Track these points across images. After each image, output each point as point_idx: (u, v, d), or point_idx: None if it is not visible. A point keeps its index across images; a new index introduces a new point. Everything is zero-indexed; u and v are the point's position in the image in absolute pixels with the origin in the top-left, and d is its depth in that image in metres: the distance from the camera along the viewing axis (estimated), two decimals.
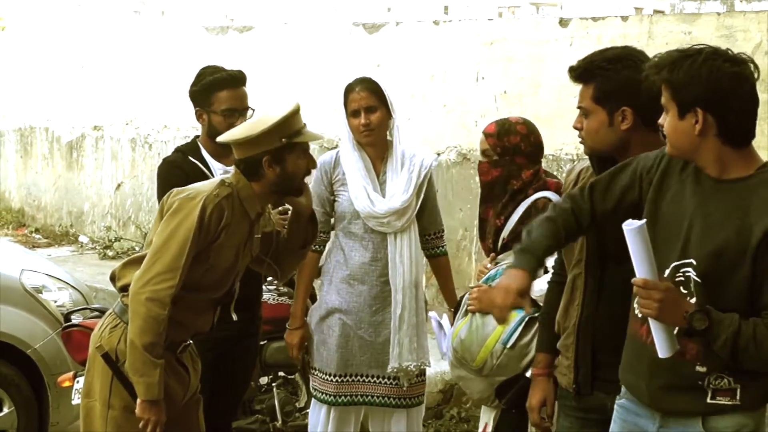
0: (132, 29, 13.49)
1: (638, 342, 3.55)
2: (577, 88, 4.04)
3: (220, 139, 4.47)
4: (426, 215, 5.44)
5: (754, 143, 3.54)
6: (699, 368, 3.41)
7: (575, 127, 4.02)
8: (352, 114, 5.23)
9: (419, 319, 5.36)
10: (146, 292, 4.13)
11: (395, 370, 5.29)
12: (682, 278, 3.41)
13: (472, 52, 9.35)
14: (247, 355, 5.46)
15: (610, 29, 8.41)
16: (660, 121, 3.52)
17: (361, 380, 5.36)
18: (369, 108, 5.20)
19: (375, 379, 5.35)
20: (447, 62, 9.54)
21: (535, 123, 8.51)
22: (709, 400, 3.42)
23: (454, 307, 5.21)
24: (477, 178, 9.12)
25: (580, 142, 4.05)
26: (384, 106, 5.23)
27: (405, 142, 5.38)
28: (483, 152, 5.06)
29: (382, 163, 5.34)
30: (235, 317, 5.12)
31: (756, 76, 3.44)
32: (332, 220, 5.42)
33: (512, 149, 4.94)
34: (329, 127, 10.61)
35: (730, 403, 3.41)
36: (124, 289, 4.32)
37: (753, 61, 3.45)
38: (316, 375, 5.41)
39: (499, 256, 4.90)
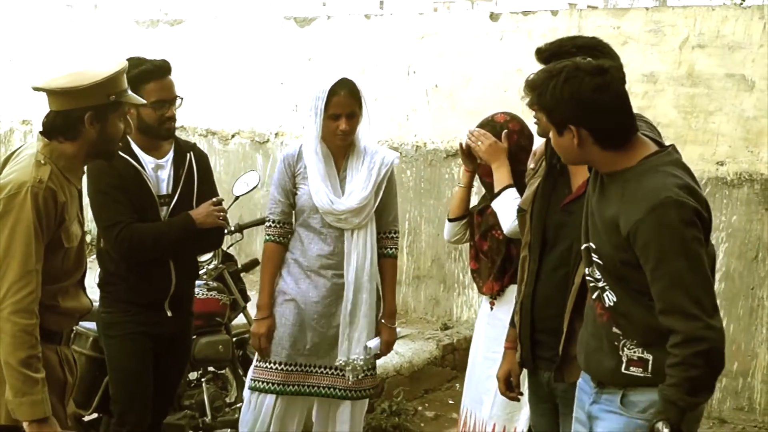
0: (63, 22, 13.30)
1: (589, 310, 3.83)
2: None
3: (36, 86, 4.13)
4: (382, 214, 5.41)
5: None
6: (615, 330, 3.67)
7: (535, 116, 4.18)
8: (331, 117, 5.13)
9: (371, 315, 5.36)
10: (6, 308, 3.88)
11: (343, 363, 5.31)
12: (593, 259, 3.70)
13: (404, 46, 9.37)
14: (181, 352, 5.44)
15: (541, 24, 8.45)
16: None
17: (309, 370, 5.37)
18: (351, 114, 5.16)
19: (322, 369, 5.37)
20: (378, 56, 9.54)
21: (466, 117, 8.59)
22: (623, 370, 3.64)
23: (389, 316, 5.41)
24: (408, 172, 9.24)
25: (535, 123, 4.25)
26: (361, 110, 5.21)
27: (367, 140, 5.35)
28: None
29: (343, 159, 5.32)
30: (169, 313, 5.12)
31: (623, 76, 3.69)
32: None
33: (513, 148, 5.16)
34: (260, 121, 10.61)
35: (642, 374, 3.61)
36: None
37: (616, 67, 3.70)
38: (260, 366, 5.38)
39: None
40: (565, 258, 4.17)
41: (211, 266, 6.22)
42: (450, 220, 5.54)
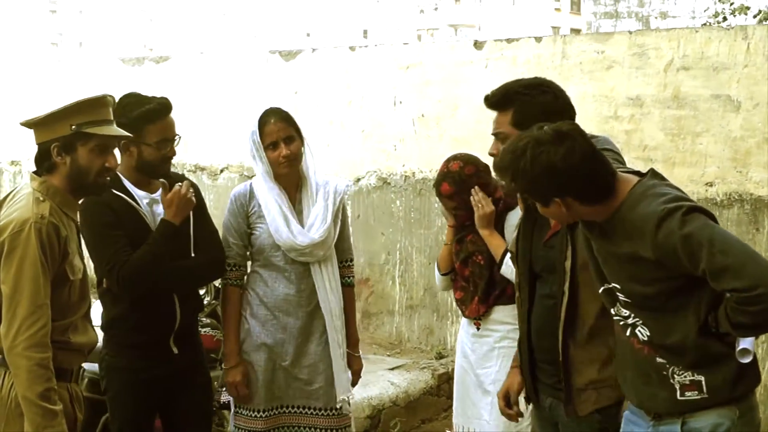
0: (49, 61, 13.33)
1: (625, 346, 3.82)
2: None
3: (21, 122, 4.25)
4: (340, 243, 5.37)
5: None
6: (659, 360, 3.68)
7: (491, 154, 4.24)
8: (270, 146, 5.12)
9: (345, 348, 5.32)
10: (21, 344, 3.94)
11: (347, 398, 5.27)
12: (619, 298, 3.74)
13: (389, 76, 9.39)
14: (199, 389, 5.21)
15: (524, 50, 8.48)
16: None
17: (288, 411, 5.28)
18: (288, 138, 5.13)
19: (302, 409, 5.28)
20: (364, 87, 9.56)
21: (453, 145, 8.60)
22: (679, 397, 3.65)
23: (354, 346, 5.42)
24: (398, 202, 9.24)
25: (490, 154, 4.28)
26: (298, 135, 5.19)
27: (314, 170, 5.31)
28: (453, 209, 5.45)
29: (296, 191, 5.26)
30: (175, 350, 5.01)
31: (580, 130, 3.67)
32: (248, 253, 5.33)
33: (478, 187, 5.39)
34: (248, 155, 10.59)
35: (698, 396, 3.62)
36: None
37: (573, 125, 3.71)
38: (241, 413, 5.29)
39: None
40: (553, 290, 4.19)
41: (204, 302, 6.20)
42: (442, 274, 5.65)
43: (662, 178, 3.71)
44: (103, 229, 4.83)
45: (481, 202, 5.27)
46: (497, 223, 5.31)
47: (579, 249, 4.02)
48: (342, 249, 5.39)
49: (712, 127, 7.47)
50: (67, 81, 12.45)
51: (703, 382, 3.61)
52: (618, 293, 3.72)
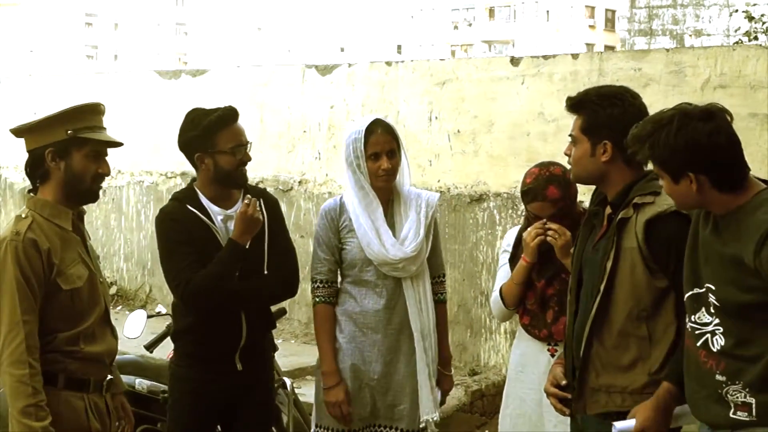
0: (86, 74, 13.41)
1: (691, 358, 3.84)
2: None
3: (11, 129, 4.27)
4: (432, 257, 5.20)
5: None
6: (719, 377, 3.70)
7: (565, 154, 4.36)
8: (372, 157, 4.95)
9: (435, 367, 5.16)
10: (4, 360, 4.01)
11: (434, 419, 5.07)
12: (709, 301, 3.74)
13: (425, 91, 9.39)
14: (260, 410, 5.13)
15: (561, 67, 8.47)
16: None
17: (371, 431, 5.13)
18: (391, 151, 4.98)
19: (386, 429, 5.12)
20: (400, 102, 9.57)
21: (488, 161, 8.60)
22: (731, 415, 3.68)
23: (446, 365, 5.23)
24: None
25: (570, 170, 4.37)
26: (399, 149, 5.04)
27: (407, 183, 5.19)
28: (550, 217, 5.13)
29: (388, 205, 5.10)
30: (240, 366, 4.94)
31: (729, 118, 3.71)
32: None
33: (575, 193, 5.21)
34: (283, 169, 10.64)
35: (748, 419, 3.65)
36: None
37: (722, 108, 3.72)
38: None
39: None
40: (591, 290, 4.20)
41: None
42: (509, 309, 5.35)
43: None
44: (172, 245, 4.83)
45: (557, 232, 5.04)
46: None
47: (624, 251, 4.05)
48: (434, 264, 5.24)
49: (749, 145, 7.37)
50: (103, 94, 12.51)
51: (753, 406, 3.62)
52: (710, 296, 3.71)
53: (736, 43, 17.84)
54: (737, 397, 3.64)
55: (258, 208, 4.83)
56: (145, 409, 5.41)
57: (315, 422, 5.21)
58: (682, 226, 3.91)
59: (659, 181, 3.92)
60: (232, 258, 4.78)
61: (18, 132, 4.26)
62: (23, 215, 4.17)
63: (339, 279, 5.18)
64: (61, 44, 77.11)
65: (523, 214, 5.13)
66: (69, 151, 4.20)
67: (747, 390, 3.62)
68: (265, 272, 4.97)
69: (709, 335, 3.73)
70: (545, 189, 5.08)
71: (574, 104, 4.27)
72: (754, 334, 3.60)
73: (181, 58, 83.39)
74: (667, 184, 3.76)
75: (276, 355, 6.31)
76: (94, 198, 4.37)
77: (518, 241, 5.31)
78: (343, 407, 5.02)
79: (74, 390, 4.21)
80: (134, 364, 5.66)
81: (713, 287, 3.70)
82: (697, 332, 3.78)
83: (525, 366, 5.34)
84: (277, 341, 6.46)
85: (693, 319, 3.80)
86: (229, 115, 4.94)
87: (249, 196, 4.89)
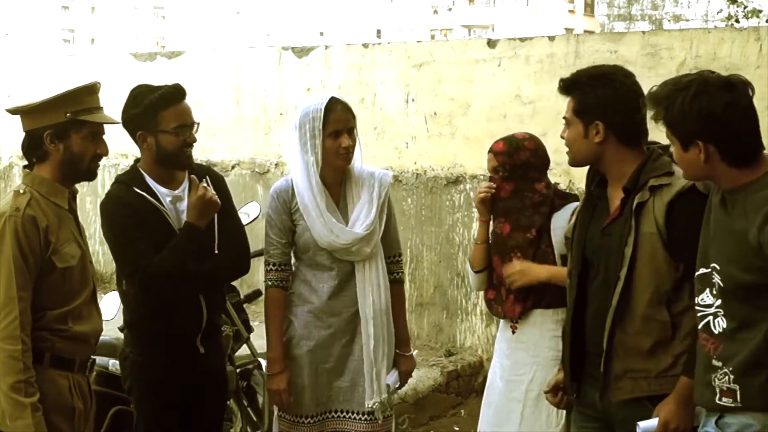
0: (61, 57, 13.34)
1: (699, 342, 3.79)
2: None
3: (8, 109, 4.29)
4: (386, 237, 5.07)
5: None
6: (714, 362, 3.67)
7: (561, 137, 4.29)
8: (332, 134, 4.80)
9: (391, 348, 5.07)
10: None
11: (376, 405, 4.96)
12: (713, 281, 3.68)
13: (402, 74, 9.39)
14: (217, 390, 5.04)
15: (538, 49, 8.48)
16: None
17: (334, 416, 5.03)
18: (350, 129, 4.84)
19: (348, 414, 5.01)
20: (377, 85, 9.57)
21: (465, 144, 8.61)
22: (717, 400, 3.66)
23: (404, 345, 5.18)
24: (409, 200, 9.24)
25: (567, 153, 4.30)
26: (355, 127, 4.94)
27: (359, 162, 5.02)
28: (493, 169, 5.31)
29: (340, 186, 4.97)
30: (202, 350, 4.82)
31: (751, 92, 3.65)
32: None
33: (523, 164, 5.21)
34: (260, 152, 10.63)
35: (732, 405, 3.62)
36: None
37: (743, 81, 3.67)
38: (284, 419, 5.03)
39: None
40: (608, 277, 4.13)
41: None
42: (476, 271, 5.44)
43: None
44: (124, 231, 4.63)
45: (514, 278, 5.14)
46: (535, 214, 5.17)
47: (642, 236, 3.98)
48: (389, 243, 5.10)
49: None
50: (78, 76, 12.42)
51: (737, 392, 3.59)
52: (714, 275, 3.65)
53: (716, 27, 17.91)
54: (723, 383, 3.61)
55: (214, 192, 4.71)
56: (118, 390, 5.37)
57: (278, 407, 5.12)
58: (702, 207, 3.82)
59: (666, 157, 3.92)
60: (190, 241, 4.64)
61: (17, 112, 4.29)
62: (21, 191, 4.18)
63: (293, 261, 5.07)
64: (38, 28, 76.73)
65: None
66: (68, 133, 4.23)
67: (732, 375, 3.59)
68: (216, 252, 4.83)
69: (711, 317, 3.68)
70: (496, 143, 5.29)
71: (566, 86, 4.22)
72: (756, 318, 3.55)
73: (159, 42, 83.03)
74: (676, 150, 3.69)
75: (252, 336, 6.35)
76: (91, 177, 4.40)
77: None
78: (284, 396, 4.94)
79: (59, 369, 4.22)
80: (108, 346, 5.63)
81: (718, 267, 3.63)
82: (700, 313, 3.73)
83: (498, 347, 5.47)
84: (254, 323, 6.50)
85: (697, 301, 3.75)
86: (174, 93, 4.70)
87: (195, 177, 4.75)
